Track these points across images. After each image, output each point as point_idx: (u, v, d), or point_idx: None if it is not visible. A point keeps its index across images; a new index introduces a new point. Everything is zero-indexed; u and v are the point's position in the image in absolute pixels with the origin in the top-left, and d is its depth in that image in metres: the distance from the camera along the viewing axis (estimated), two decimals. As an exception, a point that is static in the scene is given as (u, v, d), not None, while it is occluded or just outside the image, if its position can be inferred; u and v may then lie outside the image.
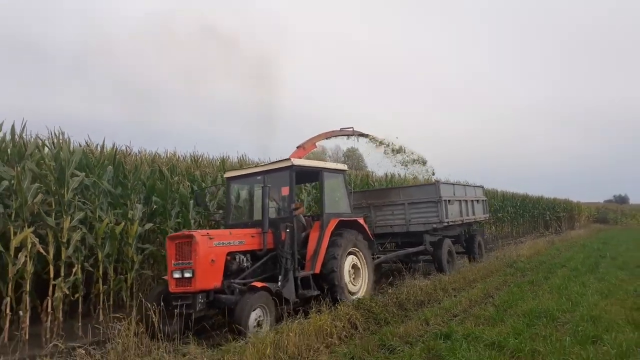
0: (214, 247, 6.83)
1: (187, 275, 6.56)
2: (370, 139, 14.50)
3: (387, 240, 12.51)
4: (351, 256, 8.67)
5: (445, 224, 11.98)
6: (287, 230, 7.58)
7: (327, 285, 7.91)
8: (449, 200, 12.28)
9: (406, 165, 16.32)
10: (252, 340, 5.46)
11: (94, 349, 5.51)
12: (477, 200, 14.77)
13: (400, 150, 15.81)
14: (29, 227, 6.32)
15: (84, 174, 7.19)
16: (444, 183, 12.65)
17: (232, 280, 6.91)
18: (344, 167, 9.80)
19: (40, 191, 6.61)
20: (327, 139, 12.57)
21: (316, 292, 7.75)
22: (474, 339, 5.80)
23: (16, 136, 6.81)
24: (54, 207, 6.75)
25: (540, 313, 6.94)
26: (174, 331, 6.38)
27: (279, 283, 7.17)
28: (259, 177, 8.44)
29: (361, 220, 9.28)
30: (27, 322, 6.32)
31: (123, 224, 7.69)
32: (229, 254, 7.09)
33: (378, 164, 17.12)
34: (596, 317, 6.60)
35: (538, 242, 20.12)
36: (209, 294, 6.64)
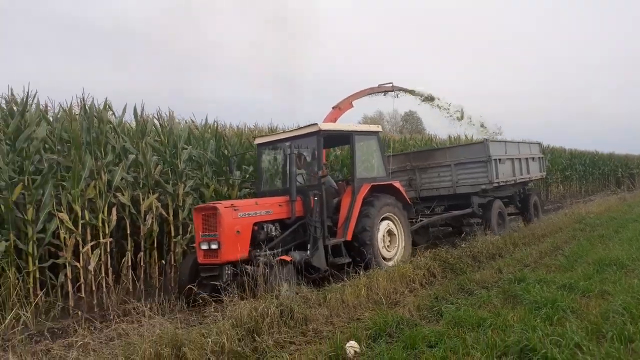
0: (239, 219, 6.78)
1: (213, 246, 6.60)
2: (415, 95, 13.75)
3: (433, 204, 12.06)
4: (386, 221, 8.43)
5: (496, 184, 11.36)
6: (315, 197, 7.36)
7: (358, 252, 7.74)
8: (499, 160, 11.60)
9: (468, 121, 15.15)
10: (349, 283, 6.37)
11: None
12: (533, 158, 13.94)
13: (456, 110, 14.82)
14: (152, 193, 7.50)
15: (190, 146, 8.29)
16: (493, 141, 11.94)
17: (257, 252, 6.86)
18: (378, 128, 9.33)
19: (158, 163, 7.76)
20: (364, 96, 11.98)
21: (347, 260, 7.61)
22: (545, 282, 6.40)
23: (138, 117, 7.93)
24: (170, 176, 7.90)
25: (609, 261, 7.37)
26: (203, 298, 6.45)
27: (308, 252, 7.11)
28: (287, 143, 8.10)
29: (397, 184, 8.98)
30: (157, 272, 7.58)
31: (226, 189, 8.73)
32: (255, 224, 7.02)
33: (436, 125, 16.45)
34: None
35: (609, 199, 19.86)
36: (236, 265, 6.63)
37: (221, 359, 4.34)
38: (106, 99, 7.25)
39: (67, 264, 6.40)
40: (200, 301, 6.46)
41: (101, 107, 7.22)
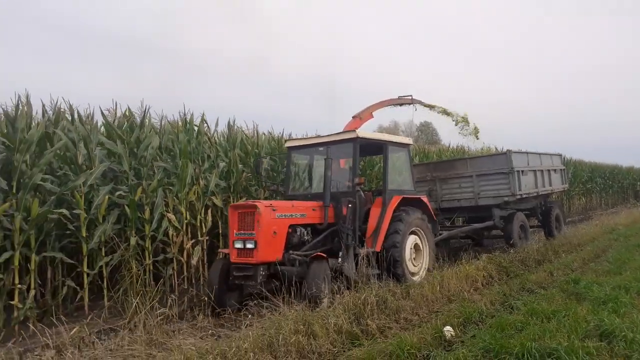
0: (277, 219, 6.68)
1: (249, 246, 6.44)
2: (432, 108, 13.66)
3: (454, 215, 11.87)
4: (413, 236, 8.30)
5: (519, 196, 11.11)
6: (350, 205, 7.33)
7: (387, 264, 7.63)
8: (522, 171, 11.34)
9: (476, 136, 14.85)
10: (425, 280, 7.18)
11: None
12: (555, 170, 13.65)
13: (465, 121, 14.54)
14: (240, 198, 8.40)
15: (269, 156, 9.18)
16: (516, 152, 11.56)
17: (292, 252, 6.80)
18: (409, 140, 9.30)
19: (244, 170, 8.65)
20: (384, 107, 11.79)
21: (377, 272, 7.42)
22: (599, 284, 7.16)
23: (231, 129, 8.87)
24: (253, 182, 8.80)
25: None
26: (232, 304, 6.56)
27: (339, 259, 7.00)
28: (321, 149, 8.08)
29: (425, 199, 8.92)
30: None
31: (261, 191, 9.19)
32: (290, 226, 6.93)
33: (449, 135, 16.25)
34: None
35: (633, 212, 20.54)
36: (269, 266, 6.54)
37: (340, 337, 5.16)
38: (203, 113, 8.18)
39: (174, 259, 7.26)
40: (231, 306, 6.47)
41: (197, 121, 8.15)
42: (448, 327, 5.35)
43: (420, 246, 8.53)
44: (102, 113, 7.30)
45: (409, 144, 9.20)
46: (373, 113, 11.24)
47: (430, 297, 6.77)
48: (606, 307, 5.71)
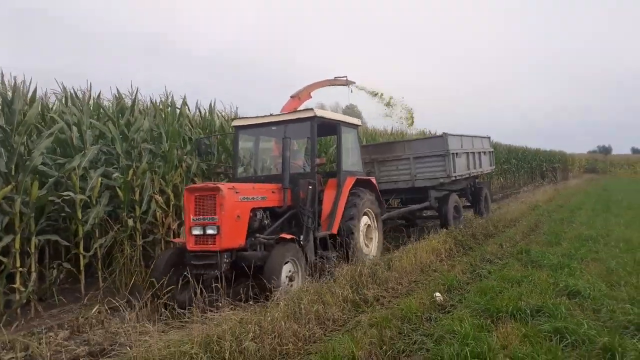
0: (240, 202, 6.27)
1: (210, 231, 5.97)
2: (364, 90, 14.31)
3: (391, 197, 11.90)
4: (365, 217, 8.34)
5: (453, 178, 11.41)
6: (310, 187, 7.09)
7: (343, 247, 7.55)
8: (456, 153, 11.62)
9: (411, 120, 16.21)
10: (405, 249, 7.87)
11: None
12: (484, 152, 14.16)
13: (391, 104, 15.63)
14: (221, 179, 8.60)
15: (211, 136, 9.07)
16: (451, 135, 11.72)
17: (257, 235, 6.52)
18: (359, 121, 9.27)
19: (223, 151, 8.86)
20: (321, 87, 11.97)
21: (335, 254, 7.39)
22: (547, 253, 8.22)
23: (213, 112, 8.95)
24: (230, 163, 9.00)
25: (585, 237, 9.43)
26: (185, 299, 5.96)
27: (301, 242, 6.76)
28: (274, 128, 7.79)
29: (374, 180, 8.97)
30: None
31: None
32: (252, 209, 6.55)
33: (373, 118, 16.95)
34: (627, 238, 9.10)
35: (547, 190, 22.83)
36: (232, 253, 6.15)
37: (347, 305, 5.70)
38: (184, 96, 8.22)
39: (162, 240, 7.39)
40: (181, 301, 5.90)
41: (179, 103, 8.20)
42: (437, 293, 6.07)
43: (372, 227, 8.62)
44: (91, 96, 7.18)
45: (359, 125, 9.22)
46: (311, 93, 11.34)
47: (408, 269, 7.48)
48: (563, 272, 6.68)
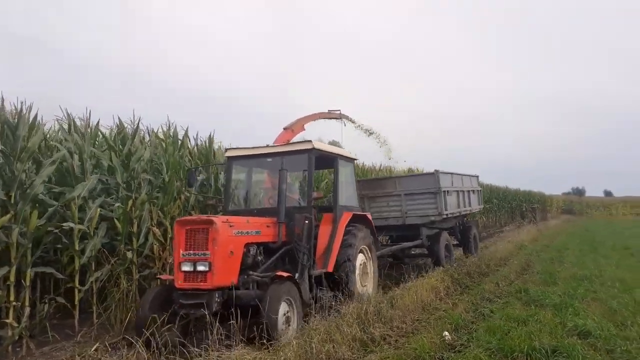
0: (234, 237, 5.87)
1: (200, 268, 5.53)
2: (357, 125, 14.16)
3: (382, 234, 11.49)
4: (360, 255, 7.96)
5: (445, 216, 11.26)
6: (306, 221, 6.76)
7: (339, 286, 7.20)
8: (447, 191, 11.53)
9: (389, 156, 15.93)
10: (406, 287, 7.74)
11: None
12: (473, 191, 14.17)
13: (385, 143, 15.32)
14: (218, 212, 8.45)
15: (201, 167, 8.79)
16: (443, 173, 11.62)
17: (251, 273, 6.09)
18: (355, 156, 9.10)
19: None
20: (315, 120, 11.85)
21: (330, 294, 7.00)
22: (543, 293, 8.21)
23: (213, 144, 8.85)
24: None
25: (580, 277, 9.47)
26: (169, 340, 5.37)
27: (297, 281, 6.30)
28: (269, 160, 7.49)
29: (369, 216, 8.72)
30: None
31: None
32: (245, 245, 6.12)
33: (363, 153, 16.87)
34: (621, 279, 9.19)
35: (530, 230, 23.08)
36: (223, 292, 5.67)
37: (355, 344, 5.54)
38: (187, 127, 8.14)
39: (158, 274, 7.14)
40: (168, 342, 5.32)
41: (181, 135, 8.11)
42: (446, 333, 5.97)
43: (367, 264, 8.28)
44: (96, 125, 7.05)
45: (355, 159, 9.01)
46: (305, 126, 11.25)
47: (410, 307, 7.36)
48: (567, 312, 6.65)
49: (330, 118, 12.75)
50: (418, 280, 8.66)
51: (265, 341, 5.09)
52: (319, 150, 7.32)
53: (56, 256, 6.45)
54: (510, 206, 37.78)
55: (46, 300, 6.05)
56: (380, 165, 21.36)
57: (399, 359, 4.93)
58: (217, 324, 5.26)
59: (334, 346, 5.20)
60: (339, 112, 12.87)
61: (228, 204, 7.56)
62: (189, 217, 6.17)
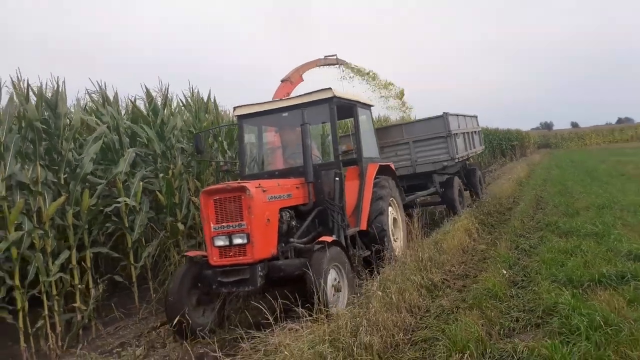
0: (268, 203, 5.37)
1: (238, 241, 5.08)
2: (353, 69, 13.54)
3: None
4: (390, 208, 7.56)
5: (457, 160, 11.02)
6: (337, 178, 6.30)
7: (376, 245, 6.76)
8: (456, 134, 11.23)
9: (387, 100, 15.19)
10: (441, 231, 7.86)
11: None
12: (475, 132, 13.89)
13: (386, 86, 14.82)
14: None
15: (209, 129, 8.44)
16: (451, 115, 11.23)
17: (291, 240, 5.67)
18: (371, 102, 8.52)
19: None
20: (312, 68, 11.38)
21: (367, 252, 6.68)
22: (574, 223, 8.40)
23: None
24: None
25: (598, 205, 9.76)
26: (207, 322, 5.25)
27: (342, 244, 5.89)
28: (285, 114, 6.76)
29: (392, 166, 8.26)
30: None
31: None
32: (279, 210, 5.64)
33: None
34: (639, 202, 9.52)
35: (521, 166, 23.58)
36: (265, 264, 5.21)
37: (422, 291, 5.63)
38: (210, 90, 7.80)
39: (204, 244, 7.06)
40: (203, 327, 5.11)
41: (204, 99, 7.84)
42: (503, 270, 6.13)
43: (397, 217, 7.97)
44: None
45: (372, 105, 8.46)
46: (302, 75, 10.76)
47: (453, 251, 7.51)
48: (610, 239, 6.85)
49: (328, 64, 12.19)
50: (451, 224, 8.81)
51: (314, 315, 4.49)
52: (339, 98, 6.73)
53: (105, 235, 6.28)
54: (491, 145, 38.44)
55: (105, 280, 5.93)
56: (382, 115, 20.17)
57: (475, 298, 5.04)
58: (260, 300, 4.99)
59: (409, 294, 5.28)
60: (334, 57, 12.27)
61: (244, 168, 6.86)
62: (216, 186, 5.47)
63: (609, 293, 4.67)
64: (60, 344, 5.13)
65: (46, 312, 5.05)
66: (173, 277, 5.36)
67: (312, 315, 4.47)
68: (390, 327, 4.55)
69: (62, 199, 5.08)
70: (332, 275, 5.20)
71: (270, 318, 4.42)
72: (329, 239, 5.42)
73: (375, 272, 6.05)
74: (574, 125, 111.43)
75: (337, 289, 5.29)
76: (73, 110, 5.71)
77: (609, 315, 4.04)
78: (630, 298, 4.51)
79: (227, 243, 5.09)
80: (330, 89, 6.52)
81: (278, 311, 4.67)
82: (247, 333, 4.37)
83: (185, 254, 5.71)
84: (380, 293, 4.87)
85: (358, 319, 4.38)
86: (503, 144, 42.11)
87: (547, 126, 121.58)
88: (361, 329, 4.23)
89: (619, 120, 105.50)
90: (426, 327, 4.71)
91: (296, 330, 4.21)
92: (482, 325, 4.34)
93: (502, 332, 4.32)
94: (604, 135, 56.74)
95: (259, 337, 4.30)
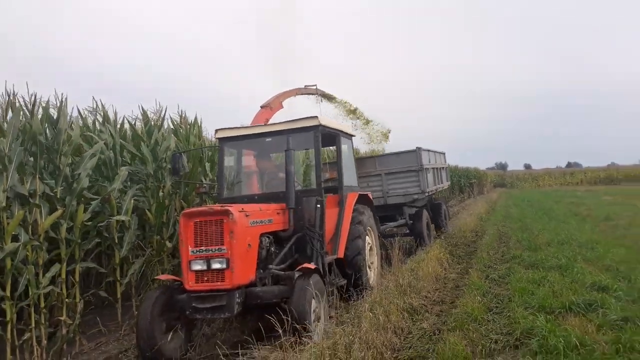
0: (250, 227, 5.29)
1: (216, 266, 4.95)
2: (334, 102, 13.56)
3: None
4: (367, 236, 7.59)
5: (427, 193, 11.38)
6: (318, 205, 6.28)
7: (351, 272, 6.85)
8: (427, 169, 11.58)
9: (370, 138, 15.00)
10: (414, 260, 8.20)
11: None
12: (443, 168, 14.43)
13: (368, 122, 14.66)
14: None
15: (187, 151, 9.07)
16: (424, 150, 11.59)
17: (270, 266, 5.59)
18: (353, 131, 8.64)
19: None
20: (292, 96, 11.39)
21: (343, 281, 6.72)
22: (536, 256, 8.93)
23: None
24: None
25: (558, 241, 10.38)
26: (176, 348, 5.10)
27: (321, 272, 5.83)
28: (268, 139, 6.83)
29: (370, 195, 8.31)
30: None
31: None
32: (261, 235, 5.57)
33: None
34: (595, 240, 10.19)
35: (480, 203, 24.55)
36: (242, 291, 5.10)
37: (403, 314, 5.90)
38: (196, 115, 8.03)
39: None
40: (171, 354, 5.00)
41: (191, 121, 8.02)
42: (477, 297, 6.48)
43: (373, 246, 7.98)
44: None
45: (353, 135, 8.49)
46: (282, 102, 10.80)
47: (427, 278, 7.85)
48: (573, 272, 7.34)
49: (307, 94, 12.36)
50: (424, 253, 9.18)
51: (294, 342, 4.47)
52: (324, 126, 6.75)
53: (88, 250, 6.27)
54: (451, 182, 39.73)
55: (87, 296, 5.92)
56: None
57: (456, 320, 5.35)
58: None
59: (394, 316, 5.53)
60: (315, 86, 12.41)
61: (223, 190, 6.77)
62: (198, 209, 5.40)
63: (579, 319, 5.08)
64: (44, 357, 5.08)
65: (33, 324, 5.00)
66: (144, 303, 5.10)
67: (297, 342, 4.49)
68: (379, 345, 4.80)
69: (58, 212, 5.12)
70: (313, 304, 5.10)
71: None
72: (311, 266, 5.41)
73: (354, 300, 6.23)
74: (527, 166, 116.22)
75: (317, 317, 5.21)
76: (73, 127, 5.77)
77: (582, 337, 4.41)
78: (600, 323, 4.93)
79: (205, 267, 4.96)
80: (316, 117, 6.62)
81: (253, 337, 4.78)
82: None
83: (157, 277, 5.59)
84: (370, 314, 5.12)
85: (351, 337, 4.62)
86: (462, 181, 43.66)
87: (502, 166, 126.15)
88: (354, 346, 4.47)
89: (569, 165, 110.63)
90: (410, 347, 5.00)
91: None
92: (466, 345, 4.66)
93: (484, 352, 4.63)
94: (556, 177, 59.56)
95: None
